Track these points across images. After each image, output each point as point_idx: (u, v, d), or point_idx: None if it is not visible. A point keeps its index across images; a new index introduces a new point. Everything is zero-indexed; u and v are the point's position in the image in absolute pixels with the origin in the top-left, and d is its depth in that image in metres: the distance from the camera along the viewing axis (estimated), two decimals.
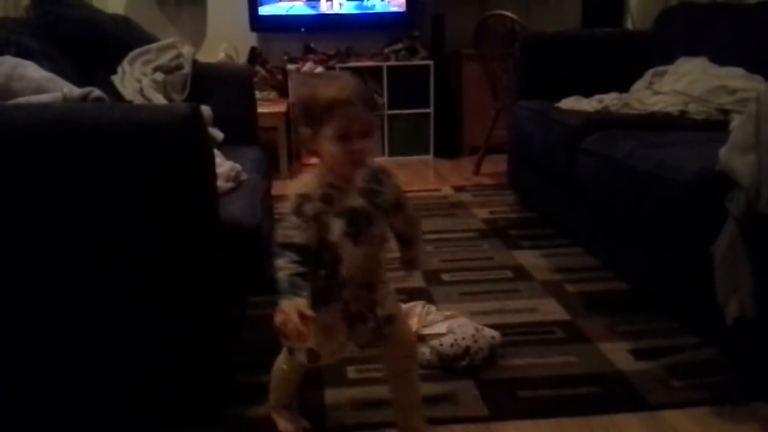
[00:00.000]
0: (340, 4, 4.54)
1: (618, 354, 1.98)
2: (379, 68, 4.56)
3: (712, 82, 2.66)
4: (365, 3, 4.58)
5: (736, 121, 1.84)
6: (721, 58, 2.79)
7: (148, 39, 2.80)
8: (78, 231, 1.52)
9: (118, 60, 2.61)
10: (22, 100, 1.72)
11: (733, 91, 2.58)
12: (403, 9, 4.60)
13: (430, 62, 4.56)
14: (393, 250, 2.91)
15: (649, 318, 2.20)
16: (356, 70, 4.53)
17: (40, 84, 1.86)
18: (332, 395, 1.82)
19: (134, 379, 1.64)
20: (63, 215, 1.51)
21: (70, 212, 1.51)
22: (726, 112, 2.55)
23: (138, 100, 2.47)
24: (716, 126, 2.37)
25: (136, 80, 2.55)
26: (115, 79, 2.54)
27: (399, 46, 4.62)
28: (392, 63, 4.57)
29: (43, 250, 1.53)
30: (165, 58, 2.67)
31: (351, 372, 1.93)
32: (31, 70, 1.94)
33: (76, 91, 1.77)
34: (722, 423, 1.67)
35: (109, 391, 1.65)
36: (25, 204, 1.50)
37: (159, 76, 2.59)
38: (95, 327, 1.59)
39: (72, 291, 1.56)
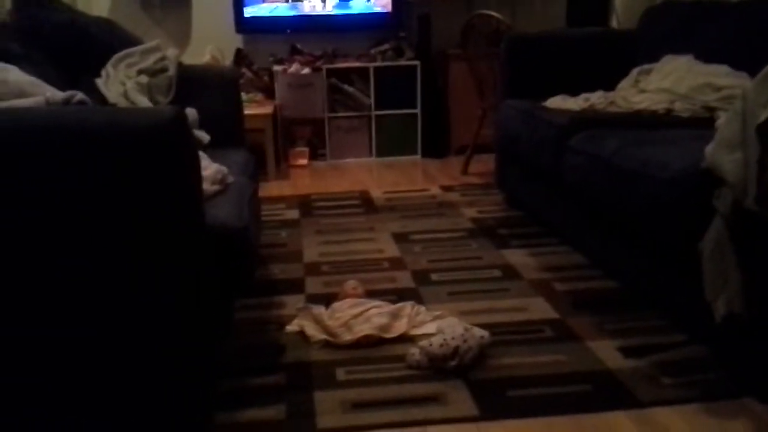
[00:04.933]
0: (323, 3, 4.53)
1: (607, 352, 1.99)
2: (366, 69, 4.56)
3: (698, 80, 2.67)
4: (350, 3, 4.57)
5: (722, 119, 1.85)
6: (706, 56, 2.80)
7: (133, 41, 2.78)
8: (61, 236, 1.50)
9: (102, 63, 2.59)
10: (4, 104, 1.70)
11: (719, 89, 2.59)
12: (389, 10, 4.60)
13: (417, 62, 4.56)
14: (382, 250, 2.93)
15: (637, 316, 2.21)
16: (343, 71, 4.55)
17: (23, 88, 1.84)
18: (321, 397, 1.81)
19: (119, 386, 1.62)
20: (46, 220, 1.49)
21: (53, 217, 1.49)
22: (712, 110, 2.56)
23: (122, 103, 2.45)
24: (702, 123, 2.37)
25: (121, 83, 2.53)
26: (99, 82, 2.51)
27: (385, 46, 4.61)
28: (379, 64, 4.57)
29: (25, 255, 1.51)
30: (149, 61, 2.65)
31: (340, 374, 1.92)
32: (14, 74, 1.92)
33: (59, 94, 1.75)
34: (712, 420, 1.67)
35: (93, 397, 1.63)
36: (7, 209, 1.48)
37: (143, 78, 2.57)
38: (79, 333, 1.57)
39: (55, 297, 1.54)
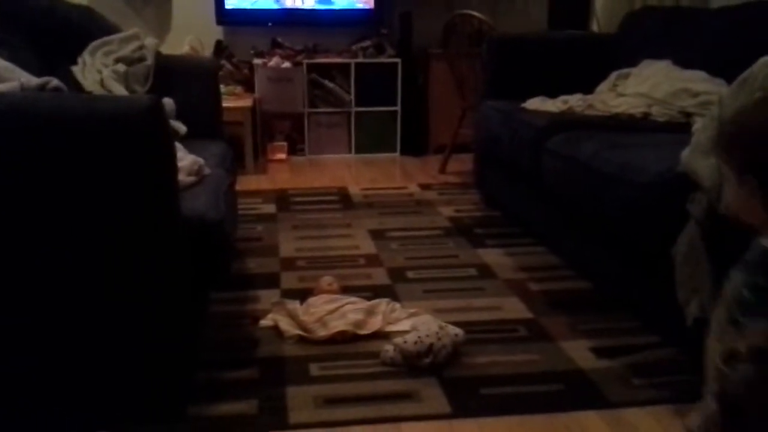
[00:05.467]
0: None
1: (580, 352, 2.00)
2: (347, 65, 4.54)
3: (675, 85, 2.70)
4: None
5: (698, 124, 1.87)
6: (684, 62, 2.82)
7: (111, 30, 2.75)
8: (33, 224, 1.48)
9: (80, 50, 2.56)
10: None
11: (696, 94, 2.62)
12: (371, 6, 4.59)
13: (398, 60, 4.55)
14: (358, 246, 2.92)
15: (610, 317, 2.22)
16: (324, 67, 4.53)
17: None
18: (294, 392, 1.80)
19: (93, 378, 1.61)
20: (17, 207, 1.47)
21: (25, 204, 1.47)
22: (688, 115, 2.58)
23: (98, 91, 2.42)
24: (678, 128, 2.40)
25: (97, 71, 2.49)
26: (76, 69, 2.48)
27: (367, 43, 4.61)
28: (360, 60, 4.56)
29: None
30: (127, 50, 2.62)
31: (314, 369, 1.91)
32: None
33: (33, 80, 1.73)
34: (682, 422, 1.69)
35: (68, 388, 1.61)
36: None
37: (121, 67, 2.54)
38: (52, 323, 1.55)
39: (26, 286, 1.52)
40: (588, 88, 3.10)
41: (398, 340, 1.94)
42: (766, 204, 0.99)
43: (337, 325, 2.06)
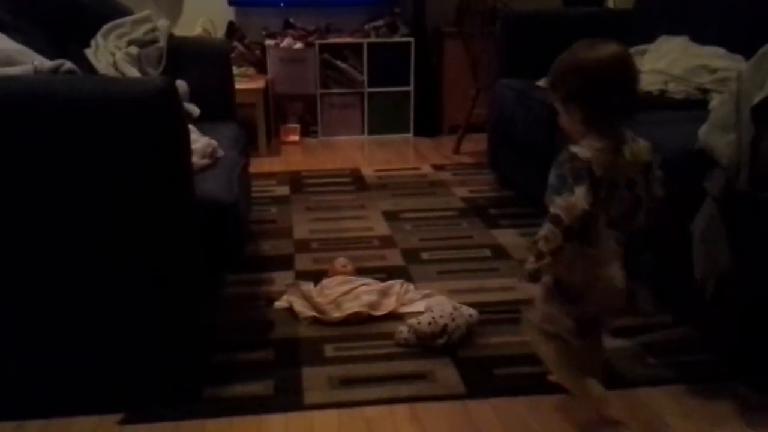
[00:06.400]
0: None
1: None
2: (360, 45, 4.51)
3: (693, 62, 2.66)
4: None
5: (715, 101, 1.84)
6: (701, 38, 2.78)
7: (123, 12, 2.74)
8: (48, 206, 1.49)
9: (93, 33, 2.55)
10: None
11: (714, 71, 2.58)
12: None
13: (411, 39, 4.51)
14: (372, 228, 2.91)
15: None
16: (336, 47, 4.51)
17: (10, 56, 1.81)
18: (309, 373, 1.81)
19: (109, 359, 1.62)
20: (33, 190, 1.47)
21: (40, 187, 1.47)
22: (706, 92, 2.55)
23: (112, 73, 2.42)
24: (696, 105, 2.37)
25: (110, 53, 2.49)
26: (89, 52, 2.48)
27: (379, 22, 4.56)
28: (372, 40, 4.52)
29: (13, 225, 1.49)
30: (140, 32, 2.62)
31: (329, 350, 1.92)
32: (2, 42, 1.89)
33: (47, 63, 1.73)
34: (698, 401, 1.68)
35: (83, 370, 1.62)
36: None
37: (133, 49, 2.54)
38: (68, 306, 1.56)
39: (43, 268, 1.53)
40: None
41: (412, 321, 1.94)
42: (582, 121, 1.47)
43: (352, 307, 2.07)
